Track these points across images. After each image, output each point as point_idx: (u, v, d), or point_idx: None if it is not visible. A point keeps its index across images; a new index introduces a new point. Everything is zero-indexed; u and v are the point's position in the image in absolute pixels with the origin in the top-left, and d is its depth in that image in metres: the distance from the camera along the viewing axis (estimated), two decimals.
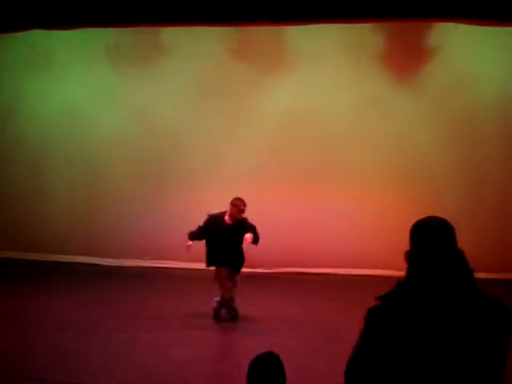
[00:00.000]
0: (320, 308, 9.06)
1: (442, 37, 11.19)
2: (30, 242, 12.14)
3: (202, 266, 11.46)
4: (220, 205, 11.57)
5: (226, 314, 8.24)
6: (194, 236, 8.42)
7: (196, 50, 11.85)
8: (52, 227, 11.00)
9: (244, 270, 11.38)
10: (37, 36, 12.12)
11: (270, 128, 11.62)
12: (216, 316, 8.24)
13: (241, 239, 8.00)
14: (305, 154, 11.53)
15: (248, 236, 7.85)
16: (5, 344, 7.07)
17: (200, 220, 8.57)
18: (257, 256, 11.44)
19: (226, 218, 8.24)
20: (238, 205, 8.13)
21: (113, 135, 12.24)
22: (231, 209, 8.19)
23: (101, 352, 6.98)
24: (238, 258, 8.40)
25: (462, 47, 11.17)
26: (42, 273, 11.09)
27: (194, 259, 11.60)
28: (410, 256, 2.39)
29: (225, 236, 8.15)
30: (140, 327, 7.84)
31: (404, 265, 2.47)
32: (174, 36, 11.90)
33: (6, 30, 11.77)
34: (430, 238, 2.35)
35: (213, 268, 8.43)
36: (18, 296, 9.49)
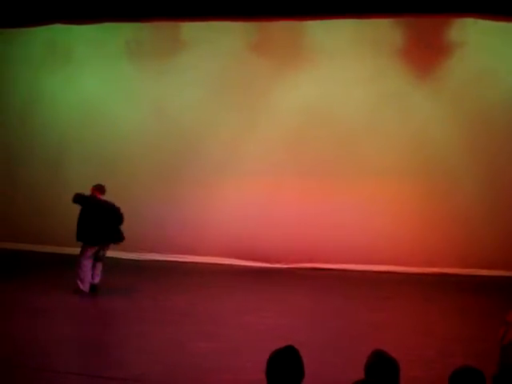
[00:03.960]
0: (336, 304, 9.07)
1: (461, 33, 11.08)
2: (48, 236, 12.28)
3: (216, 259, 11.73)
4: (237, 200, 11.69)
5: None
6: None
7: (215, 45, 11.85)
8: (70, 221, 11.06)
9: (260, 265, 11.51)
10: (56, 30, 12.22)
11: (287, 123, 11.61)
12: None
13: None
14: (322, 149, 11.51)
15: None
16: (25, 336, 7.15)
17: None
18: (273, 251, 11.54)
19: None
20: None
21: (131, 130, 12.28)
22: None
23: (119, 345, 7.08)
24: None
25: (481, 43, 11.04)
26: (58, 266, 11.18)
27: (209, 253, 11.81)
28: None
29: None
30: (157, 321, 7.89)
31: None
32: (193, 31, 11.91)
33: (26, 25, 11.90)
34: None
35: None
36: (37, 289, 9.60)
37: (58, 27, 11.99)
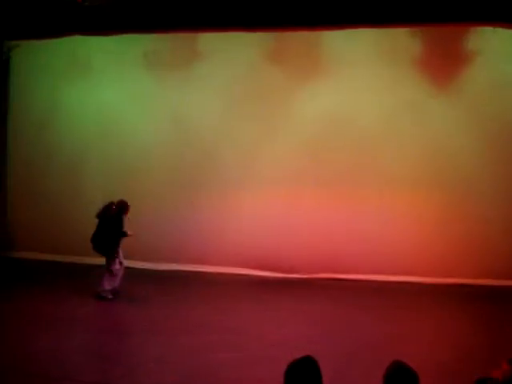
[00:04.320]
0: (354, 314, 9.01)
1: (479, 42, 11.01)
2: (66, 245, 12.30)
3: (234, 269, 11.71)
4: (255, 210, 11.67)
5: None
6: None
7: (232, 55, 11.90)
8: (87, 231, 11.14)
9: (278, 275, 11.47)
10: (76, 42, 12.34)
11: (305, 133, 11.60)
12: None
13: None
14: (339, 158, 11.47)
15: None
16: (41, 345, 7.20)
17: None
18: (291, 261, 11.50)
19: None
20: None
21: (148, 140, 12.33)
22: None
23: (136, 354, 7.06)
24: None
25: (500, 52, 10.98)
26: (77, 275, 11.26)
27: (227, 263, 11.80)
28: None
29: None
30: (176, 330, 7.89)
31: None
32: (210, 41, 11.95)
33: (47, 37, 12.06)
34: None
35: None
36: (54, 298, 9.67)
37: (78, 39, 12.12)
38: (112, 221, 9.54)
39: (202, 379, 6.12)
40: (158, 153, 12.30)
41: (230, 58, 11.91)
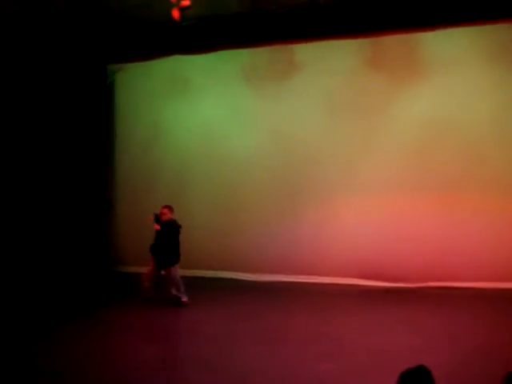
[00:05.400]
0: (465, 323, 8.65)
1: None
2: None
3: (337, 279, 11.58)
4: (356, 219, 11.51)
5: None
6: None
7: (329, 64, 11.87)
8: (193, 242, 11.38)
9: (384, 284, 11.22)
10: (175, 61, 12.73)
11: (406, 138, 11.36)
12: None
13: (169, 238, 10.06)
14: (443, 163, 11.13)
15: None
16: (148, 355, 7.36)
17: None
18: (397, 270, 11.22)
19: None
20: (161, 211, 10.21)
21: (249, 153, 12.50)
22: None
23: (238, 365, 7.04)
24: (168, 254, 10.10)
25: None
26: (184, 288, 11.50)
27: (330, 273, 11.68)
28: None
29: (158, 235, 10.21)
30: (277, 341, 7.86)
31: None
32: (307, 52, 11.98)
33: (148, 58, 12.54)
34: None
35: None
36: (159, 309, 9.93)
37: (177, 58, 12.50)
38: (177, 231, 10.16)
39: None
40: (259, 165, 12.44)
41: (328, 66, 11.88)
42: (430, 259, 10.95)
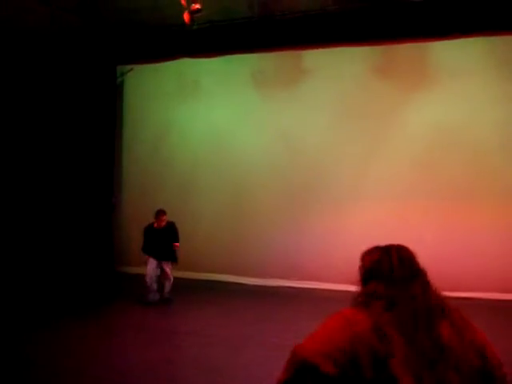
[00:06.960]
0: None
1: None
2: (179, 260, 12.65)
3: (345, 286, 11.50)
4: (364, 226, 11.46)
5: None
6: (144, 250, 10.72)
7: (338, 70, 11.87)
8: (200, 246, 11.36)
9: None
10: (185, 64, 12.73)
11: (415, 146, 11.35)
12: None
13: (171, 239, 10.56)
14: (453, 172, 11.10)
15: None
16: (154, 357, 7.37)
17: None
18: None
19: (155, 225, 10.68)
20: (160, 218, 10.63)
21: (257, 158, 12.50)
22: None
23: (247, 369, 7.05)
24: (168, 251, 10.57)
25: None
26: (190, 290, 11.46)
27: (338, 280, 11.64)
28: None
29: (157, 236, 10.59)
30: (286, 346, 7.81)
31: None
32: (316, 58, 11.96)
33: (158, 60, 12.53)
34: None
35: None
36: (168, 312, 9.94)
37: (187, 61, 12.51)
38: (175, 231, 10.58)
39: None
40: (267, 170, 12.44)
41: (336, 73, 11.88)
42: (436, 268, 10.83)
